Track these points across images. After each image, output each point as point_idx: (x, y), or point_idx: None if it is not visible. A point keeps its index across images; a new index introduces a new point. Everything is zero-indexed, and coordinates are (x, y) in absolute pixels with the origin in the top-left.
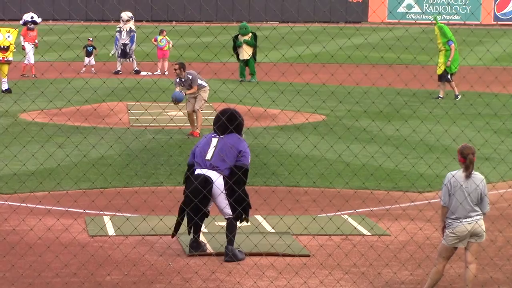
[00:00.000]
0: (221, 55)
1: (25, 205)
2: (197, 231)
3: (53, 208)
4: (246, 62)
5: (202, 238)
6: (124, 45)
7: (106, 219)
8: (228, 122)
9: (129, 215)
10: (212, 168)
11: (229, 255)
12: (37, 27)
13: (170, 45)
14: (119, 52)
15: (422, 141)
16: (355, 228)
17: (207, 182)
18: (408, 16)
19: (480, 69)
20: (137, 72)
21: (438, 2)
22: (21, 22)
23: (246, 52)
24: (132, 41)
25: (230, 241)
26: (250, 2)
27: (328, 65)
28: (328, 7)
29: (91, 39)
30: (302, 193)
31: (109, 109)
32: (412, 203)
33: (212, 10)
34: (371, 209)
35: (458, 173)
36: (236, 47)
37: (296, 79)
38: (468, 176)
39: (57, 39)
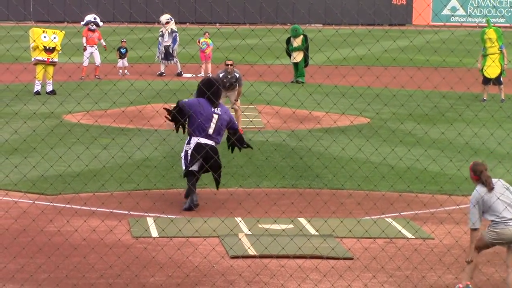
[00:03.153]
0: (266, 57)
1: (70, 206)
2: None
3: (98, 209)
4: (297, 65)
5: (245, 240)
6: (167, 46)
7: (150, 221)
8: (218, 91)
9: (173, 217)
10: (211, 139)
11: None
12: (98, 29)
13: (210, 49)
14: (162, 55)
15: (467, 144)
16: (400, 231)
17: (214, 150)
18: (452, 19)
19: None
20: (179, 74)
21: (483, 4)
22: (82, 23)
23: (297, 56)
24: (174, 41)
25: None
26: (294, 4)
27: (373, 67)
28: (373, 10)
29: (124, 40)
30: (347, 195)
31: (154, 111)
32: (457, 207)
33: (257, 12)
34: (416, 212)
35: (481, 190)
36: (288, 50)
37: (341, 81)
38: (491, 190)
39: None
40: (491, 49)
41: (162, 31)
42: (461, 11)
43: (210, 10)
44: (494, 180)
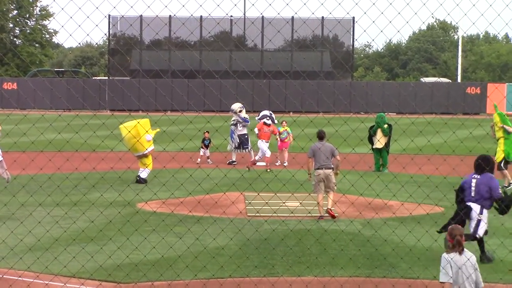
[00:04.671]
0: (341, 147)
1: None
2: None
3: None
4: (379, 152)
5: None
6: (241, 135)
7: None
8: (484, 164)
9: None
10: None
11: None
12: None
13: (291, 137)
14: (236, 144)
15: None
16: None
17: (468, 208)
18: None
19: None
20: (254, 163)
21: None
22: (257, 117)
23: (380, 142)
24: (245, 126)
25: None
26: (367, 94)
27: (449, 157)
28: (448, 101)
29: (207, 132)
30: (422, 286)
31: (229, 200)
32: None
33: (330, 101)
34: None
35: (450, 255)
36: (371, 137)
37: (417, 171)
38: (460, 253)
39: (177, 129)
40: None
41: (234, 119)
42: None
43: (285, 100)
44: (469, 254)
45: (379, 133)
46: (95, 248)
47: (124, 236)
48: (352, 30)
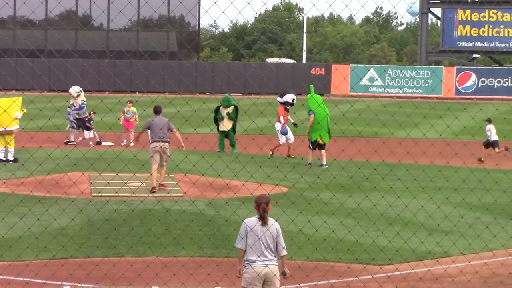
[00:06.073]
0: (184, 127)
1: None
2: None
3: (14, 279)
4: (226, 134)
5: None
6: (78, 118)
7: None
8: None
9: (90, 286)
10: None
11: None
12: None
13: (137, 118)
14: (73, 124)
15: (382, 216)
16: None
17: None
18: (370, 89)
19: (440, 143)
20: (99, 143)
21: (400, 75)
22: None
23: (226, 125)
24: (82, 109)
25: None
26: (213, 76)
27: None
28: (291, 81)
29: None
30: None
31: (71, 180)
32: (372, 276)
33: (175, 82)
34: (331, 282)
35: (252, 219)
36: (217, 118)
37: (259, 151)
38: (263, 224)
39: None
40: None
41: (72, 103)
42: (378, 82)
43: (130, 81)
44: (273, 222)
45: (225, 116)
46: None
47: None
48: (198, 10)
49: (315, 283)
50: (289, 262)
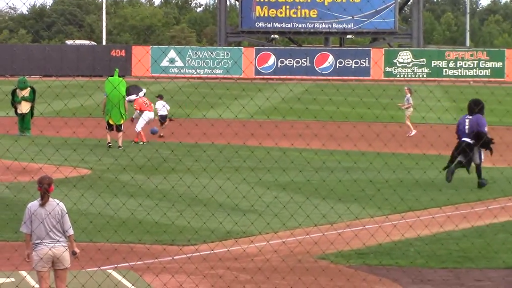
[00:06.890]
0: None
1: None
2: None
3: None
4: (23, 116)
5: None
6: None
7: None
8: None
9: None
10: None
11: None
12: None
13: None
14: None
15: (181, 197)
16: (120, 281)
17: (469, 145)
18: (171, 71)
19: (236, 124)
20: None
21: (201, 56)
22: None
23: (24, 108)
24: None
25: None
26: (11, 57)
27: (86, 119)
28: (92, 63)
29: None
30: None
31: None
32: (172, 258)
33: None
34: (131, 264)
35: (34, 203)
36: (14, 102)
37: (55, 134)
38: (43, 204)
39: None
40: None
41: None
42: (179, 62)
43: None
44: (54, 203)
45: (22, 100)
46: None
47: None
48: None
49: (116, 265)
50: (89, 244)
